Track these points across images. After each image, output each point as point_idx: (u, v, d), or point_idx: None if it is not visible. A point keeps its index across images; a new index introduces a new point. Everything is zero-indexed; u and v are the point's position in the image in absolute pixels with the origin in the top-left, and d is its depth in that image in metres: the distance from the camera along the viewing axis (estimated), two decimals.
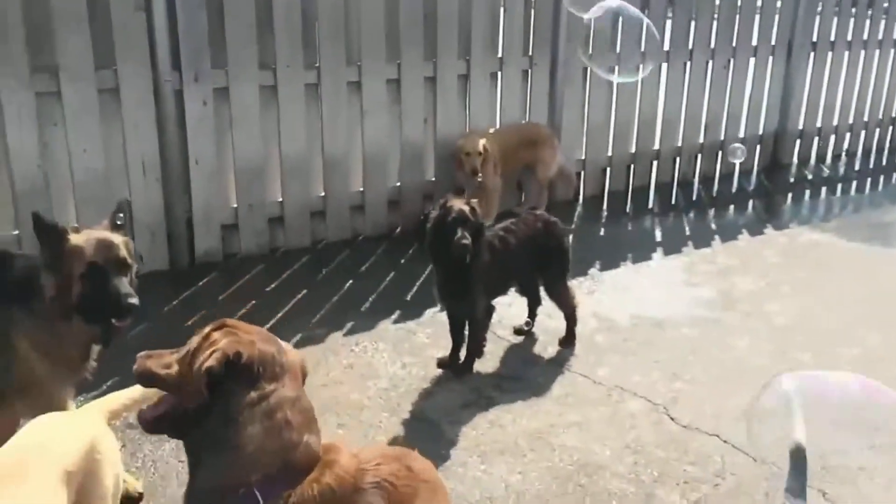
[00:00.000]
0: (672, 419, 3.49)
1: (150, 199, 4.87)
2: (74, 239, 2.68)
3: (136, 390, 2.53)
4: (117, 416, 2.56)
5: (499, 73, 6.14)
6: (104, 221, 2.83)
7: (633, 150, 6.98)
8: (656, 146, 7.11)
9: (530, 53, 6.22)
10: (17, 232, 4.57)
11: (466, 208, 3.62)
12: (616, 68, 6.38)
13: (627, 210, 6.63)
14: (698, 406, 3.58)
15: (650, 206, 6.74)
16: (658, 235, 5.97)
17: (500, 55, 6.12)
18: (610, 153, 6.86)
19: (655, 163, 7.14)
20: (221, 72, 4.97)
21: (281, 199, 5.37)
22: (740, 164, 7.51)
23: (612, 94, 6.69)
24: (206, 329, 1.83)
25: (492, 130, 6.02)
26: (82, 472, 2.17)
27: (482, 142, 5.60)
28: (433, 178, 5.95)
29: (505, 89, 6.20)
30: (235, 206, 5.24)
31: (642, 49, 6.35)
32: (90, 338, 2.78)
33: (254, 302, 4.63)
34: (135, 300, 2.68)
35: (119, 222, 2.83)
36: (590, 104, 6.60)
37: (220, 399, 1.72)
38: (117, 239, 2.74)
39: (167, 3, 4.69)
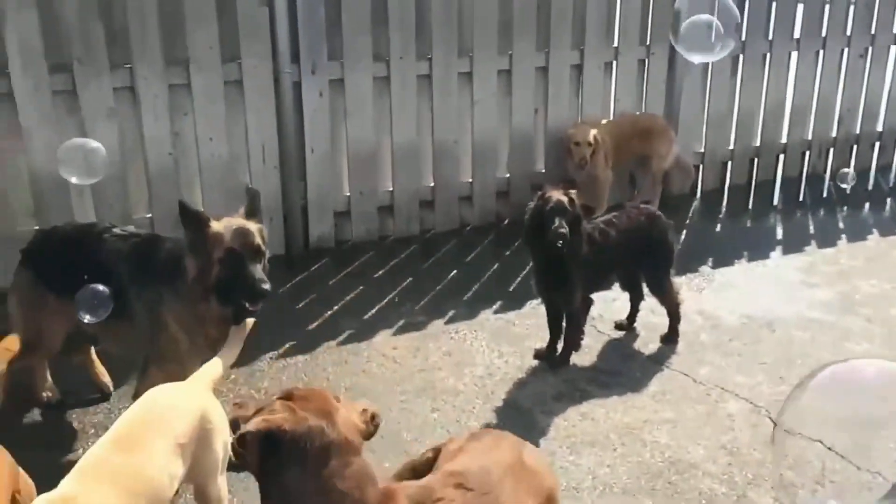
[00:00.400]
0: (773, 422, 3.35)
1: (268, 185, 5.11)
2: (215, 226, 2.90)
3: (233, 356, 2.69)
4: (221, 383, 2.73)
5: (614, 63, 6.04)
6: (241, 209, 3.03)
7: (757, 142, 6.68)
8: (783, 139, 6.77)
9: (647, 42, 6.07)
10: (150, 215, 4.92)
11: (565, 199, 3.62)
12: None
13: (749, 206, 6.36)
14: None
15: (774, 202, 6.43)
16: (779, 233, 5.70)
17: (615, 44, 6.01)
18: (732, 146, 6.60)
19: (782, 156, 6.81)
20: (337, 64, 5.16)
21: (391, 188, 5.52)
22: (878, 159, 7.05)
23: (735, 85, 6.43)
24: (274, 396, 1.91)
25: (605, 121, 5.93)
26: (194, 442, 2.35)
27: (593, 132, 5.53)
28: (542, 170, 5.94)
29: (620, 79, 6.09)
30: (348, 193, 5.43)
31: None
32: (225, 318, 2.97)
33: (361, 287, 4.79)
34: (267, 286, 2.86)
35: (254, 210, 3.02)
36: (711, 95, 6.37)
37: (273, 471, 1.80)
38: (253, 227, 2.93)
39: None
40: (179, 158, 4.94)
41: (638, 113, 6.15)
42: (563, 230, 3.53)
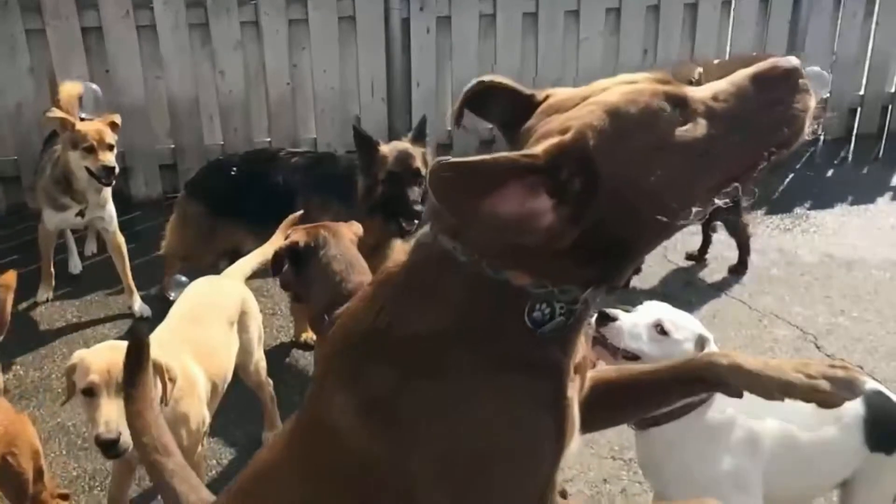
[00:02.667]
0: (818, 348, 3.35)
1: (375, 116, 5.49)
2: (383, 149, 3.30)
3: (259, 256, 3.03)
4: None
5: (732, 2, 5.88)
6: (409, 134, 3.42)
7: (892, 89, 6.28)
8: None
9: None
10: (269, 139, 5.44)
11: None
12: None
13: (879, 155, 6.01)
14: (853, 341, 3.38)
15: None
16: (895, 181, 5.40)
17: None
18: (862, 92, 6.24)
19: None
20: (445, 1, 5.40)
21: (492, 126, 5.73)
22: None
23: (870, 26, 6.06)
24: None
25: (717, 61, 5.80)
26: (238, 322, 2.77)
27: (697, 70, 5.44)
28: None
29: (737, 19, 5.93)
30: (450, 128, 5.70)
31: None
32: (390, 232, 3.34)
33: None
34: (419, 208, 3.21)
35: (420, 135, 3.38)
36: (840, 37, 6.05)
37: (301, 272, 2.41)
38: (416, 151, 3.30)
39: None
40: (296, 88, 5.40)
41: (755, 53, 5.95)
42: None
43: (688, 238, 4.39)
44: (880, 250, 4.26)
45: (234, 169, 3.66)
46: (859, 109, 6.29)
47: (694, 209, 1.10)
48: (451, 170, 0.97)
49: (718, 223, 4.11)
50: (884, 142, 6.20)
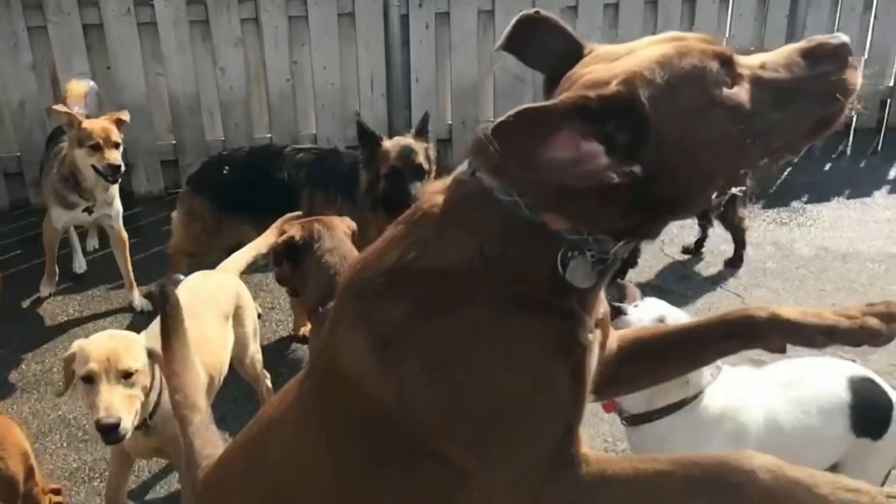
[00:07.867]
0: None
1: (375, 111, 5.52)
2: (385, 144, 3.35)
3: (253, 250, 3.06)
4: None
5: None
6: (411, 129, 3.47)
7: (890, 83, 6.29)
8: None
9: None
10: (270, 135, 5.48)
11: None
12: None
13: (877, 148, 6.02)
14: None
15: None
16: (892, 174, 5.42)
17: None
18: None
19: None
20: None
21: (492, 118, 5.76)
22: None
23: (868, 20, 6.07)
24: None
25: None
26: (233, 316, 2.81)
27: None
28: None
29: (736, 13, 5.94)
30: (451, 122, 5.73)
31: None
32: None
33: None
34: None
35: (422, 130, 3.43)
36: (839, 31, 6.04)
37: (299, 267, 2.47)
38: (418, 146, 3.35)
39: None
40: (297, 85, 5.44)
41: (753, 48, 5.95)
42: None
43: (684, 231, 4.43)
44: (876, 243, 4.28)
45: (227, 168, 3.69)
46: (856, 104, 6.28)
47: (724, 186, 1.10)
48: (512, 117, 0.97)
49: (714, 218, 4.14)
50: (882, 135, 6.20)
